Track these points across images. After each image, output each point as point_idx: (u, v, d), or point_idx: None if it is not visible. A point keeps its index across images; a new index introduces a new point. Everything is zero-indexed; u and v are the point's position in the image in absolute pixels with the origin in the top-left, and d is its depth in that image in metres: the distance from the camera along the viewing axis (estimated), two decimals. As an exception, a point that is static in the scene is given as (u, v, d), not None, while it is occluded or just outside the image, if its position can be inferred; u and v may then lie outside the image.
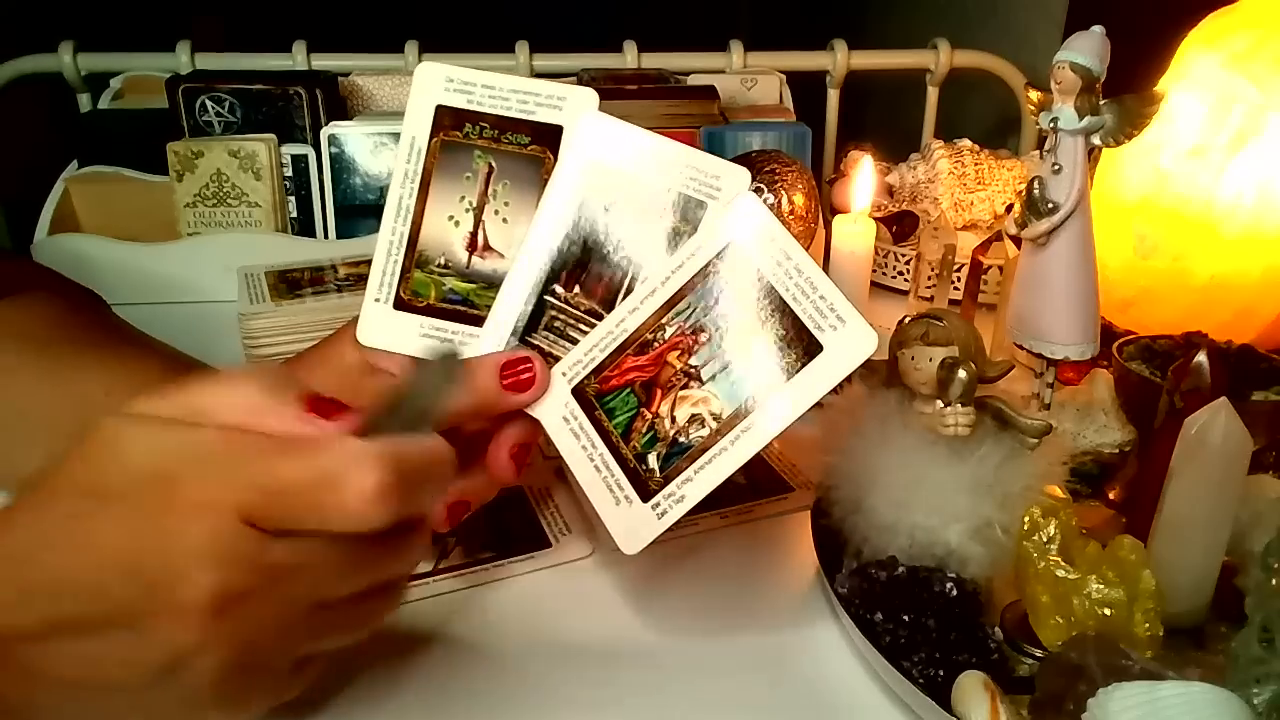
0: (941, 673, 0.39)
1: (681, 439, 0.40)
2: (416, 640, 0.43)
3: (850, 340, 0.39)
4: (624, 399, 0.41)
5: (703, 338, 0.41)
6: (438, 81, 0.44)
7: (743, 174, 0.41)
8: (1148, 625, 0.39)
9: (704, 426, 0.40)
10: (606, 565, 0.49)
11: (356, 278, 0.75)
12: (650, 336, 0.41)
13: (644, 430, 0.41)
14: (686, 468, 0.40)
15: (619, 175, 0.43)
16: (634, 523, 0.40)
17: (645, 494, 0.40)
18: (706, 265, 0.41)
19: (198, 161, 0.82)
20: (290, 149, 0.84)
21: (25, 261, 0.59)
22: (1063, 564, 0.40)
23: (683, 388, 0.41)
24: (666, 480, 0.40)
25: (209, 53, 1.00)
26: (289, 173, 0.84)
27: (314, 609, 0.33)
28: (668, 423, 0.41)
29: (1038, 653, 0.41)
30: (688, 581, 0.48)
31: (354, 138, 0.84)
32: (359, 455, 0.31)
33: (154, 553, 0.30)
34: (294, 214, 0.85)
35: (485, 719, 0.40)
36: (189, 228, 0.83)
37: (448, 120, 0.44)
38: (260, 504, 0.30)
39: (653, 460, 0.41)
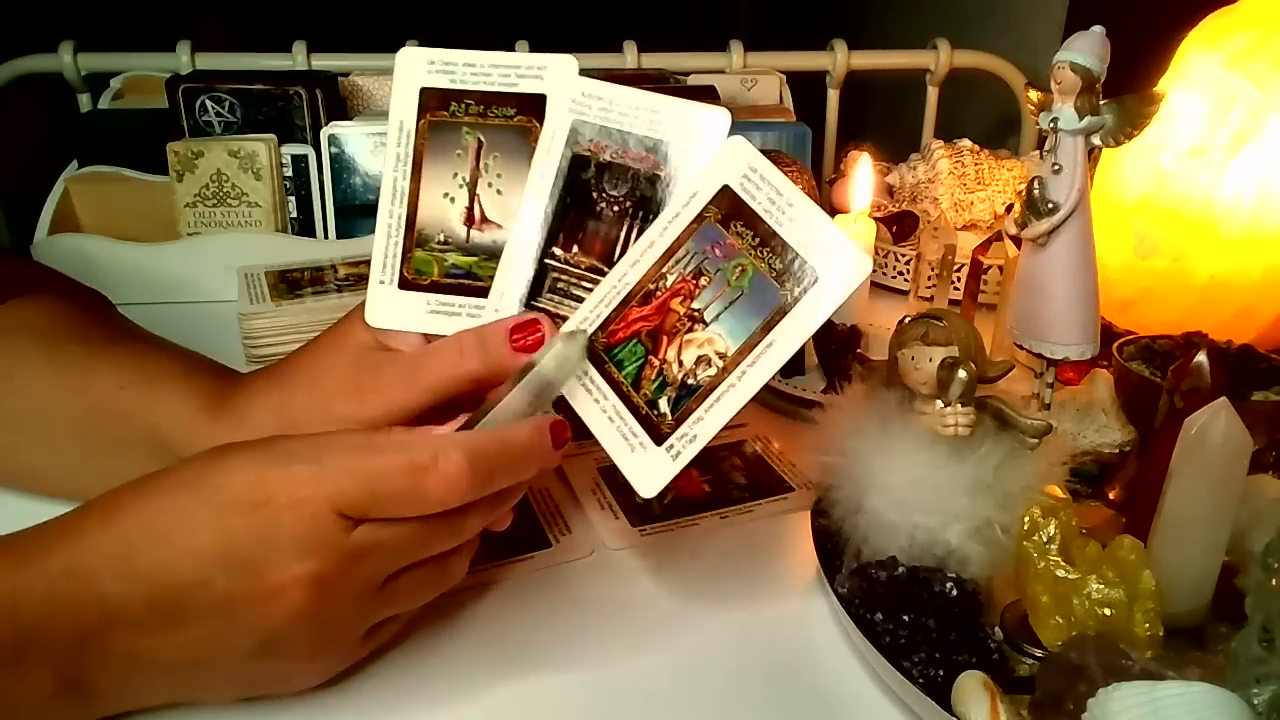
0: (941, 673, 0.39)
1: (690, 381, 0.41)
2: (413, 638, 0.43)
3: (844, 266, 0.40)
4: (631, 349, 0.42)
5: (703, 281, 0.42)
6: (420, 65, 0.45)
7: (722, 114, 0.42)
8: (1148, 625, 0.39)
9: (711, 366, 0.41)
10: (606, 565, 0.49)
11: (356, 278, 0.75)
12: (652, 287, 0.43)
13: (653, 377, 0.42)
14: (697, 408, 0.41)
15: (601, 132, 0.44)
16: (649, 466, 0.41)
17: (658, 438, 0.41)
18: (702, 211, 0.42)
19: (198, 161, 0.82)
20: (290, 149, 0.84)
21: (32, 262, 0.59)
22: (1063, 564, 0.40)
23: (687, 331, 0.42)
24: (678, 422, 0.41)
25: (209, 53, 1.00)
26: (289, 173, 0.84)
27: (386, 581, 0.37)
28: (675, 367, 0.42)
29: (1038, 653, 0.41)
30: (687, 581, 0.48)
31: (354, 138, 0.84)
32: (445, 442, 0.36)
33: (252, 544, 0.34)
34: (294, 214, 0.85)
35: (481, 717, 0.40)
36: (189, 228, 0.83)
37: (433, 101, 0.45)
38: (351, 492, 0.34)
39: (664, 405, 0.42)
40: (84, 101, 1.00)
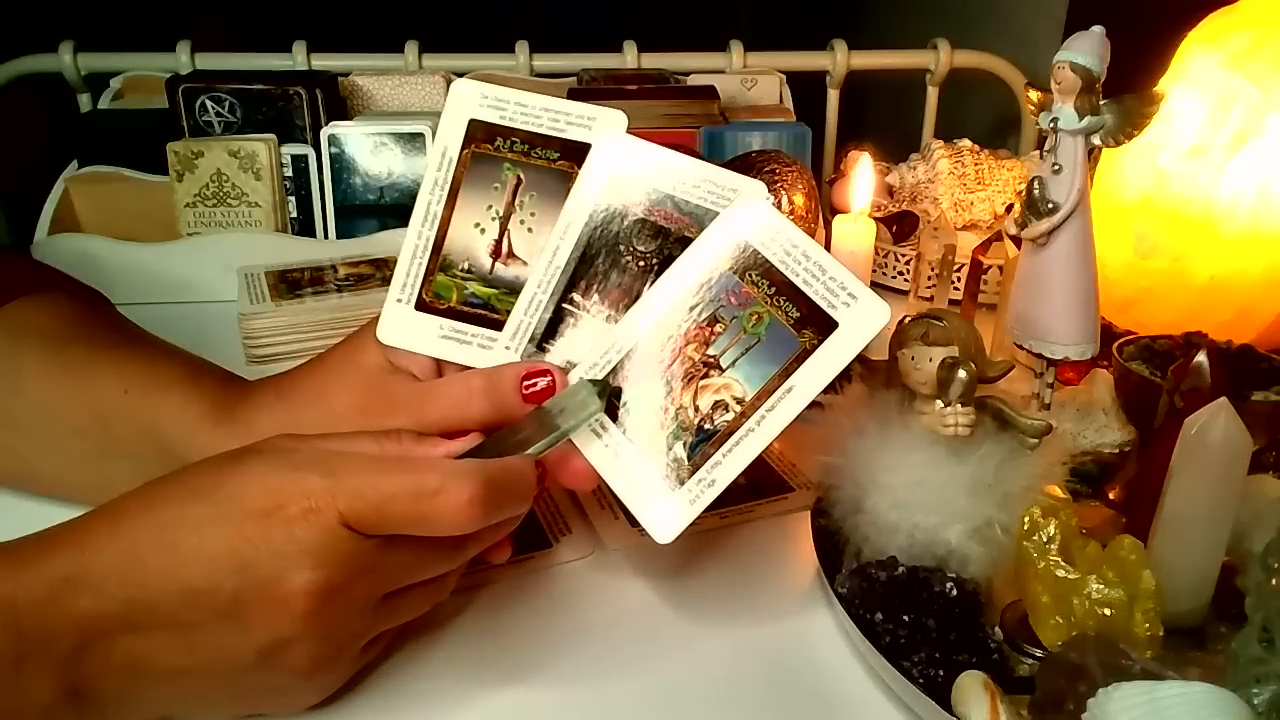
0: (941, 673, 0.39)
1: (706, 426, 0.41)
2: (414, 639, 0.43)
3: (863, 314, 0.40)
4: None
5: (719, 328, 0.42)
6: (473, 97, 0.45)
7: (758, 186, 0.42)
8: (1148, 625, 0.39)
9: (728, 411, 0.41)
10: (606, 566, 0.49)
11: (356, 278, 0.75)
12: (667, 333, 0.42)
13: (668, 422, 0.42)
14: (714, 453, 0.41)
15: (637, 188, 0.44)
16: (666, 512, 0.41)
17: (675, 483, 0.41)
18: (716, 261, 0.42)
19: (198, 161, 0.82)
20: (290, 149, 0.84)
21: (35, 261, 0.59)
22: (1063, 564, 0.40)
23: (703, 377, 0.41)
24: (695, 468, 0.41)
25: (209, 53, 1.00)
26: (289, 173, 0.84)
27: (387, 597, 0.38)
28: (691, 412, 0.41)
29: (1038, 653, 0.41)
30: (687, 582, 0.48)
31: (354, 138, 0.84)
32: (458, 471, 0.36)
33: (263, 552, 0.34)
34: (294, 214, 0.85)
35: (481, 718, 0.40)
36: (189, 228, 0.83)
37: (480, 134, 0.45)
38: (361, 510, 0.34)
39: (679, 449, 0.41)
40: (84, 101, 1.00)
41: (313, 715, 0.39)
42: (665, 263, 0.43)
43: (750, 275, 0.42)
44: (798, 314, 0.41)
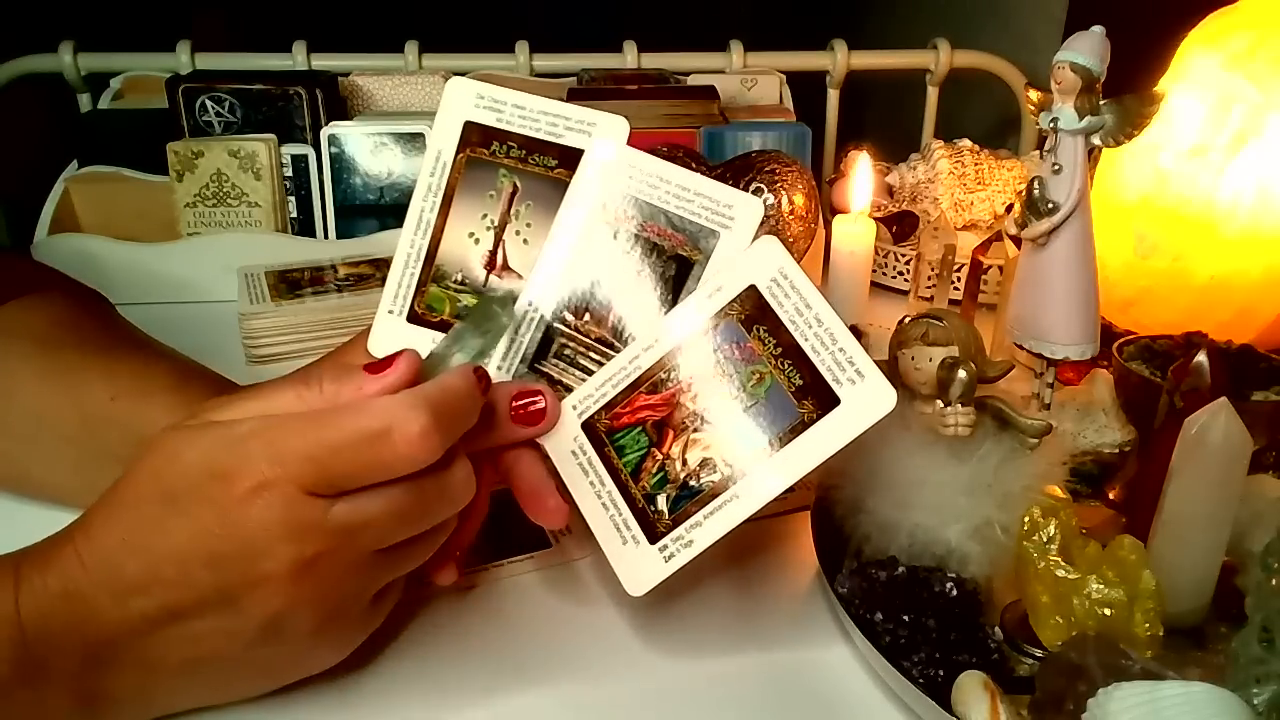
0: (941, 673, 0.39)
1: (692, 482, 0.40)
2: (415, 638, 0.43)
3: (868, 396, 0.38)
4: (635, 437, 0.41)
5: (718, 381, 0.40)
6: (468, 98, 0.44)
7: (755, 204, 0.41)
8: (1148, 625, 0.39)
9: (715, 471, 0.39)
10: (606, 565, 0.49)
11: (356, 278, 0.75)
12: (663, 375, 0.41)
13: (654, 471, 0.40)
14: (696, 512, 0.39)
15: (629, 203, 0.42)
16: (639, 564, 0.40)
17: (652, 535, 0.40)
18: (725, 307, 0.40)
19: (198, 161, 0.82)
20: (290, 149, 0.84)
21: (33, 262, 0.59)
22: (1063, 564, 0.40)
23: (695, 431, 0.40)
24: (675, 523, 0.40)
25: (209, 53, 1.00)
26: (289, 173, 0.84)
27: (379, 552, 0.36)
28: (678, 465, 0.40)
29: (1038, 653, 0.41)
30: (687, 581, 0.48)
31: (354, 138, 0.84)
32: (401, 404, 0.34)
33: (228, 538, 0.33)
34: (294, 214, 0.85)
35: (482, 718, 0.40)
36: (189, 228, 0.83)
37: (475, 137, 0.44)
38: (315, 472, 0.33)
39: (662, 502, 0.40)
40: (84, 101, 1.00)
41: (315, 716, 0.39)
42: (659, 282, 0.42)
43: (758, 330, 0.40)
44: (801, 381, 0.39)
